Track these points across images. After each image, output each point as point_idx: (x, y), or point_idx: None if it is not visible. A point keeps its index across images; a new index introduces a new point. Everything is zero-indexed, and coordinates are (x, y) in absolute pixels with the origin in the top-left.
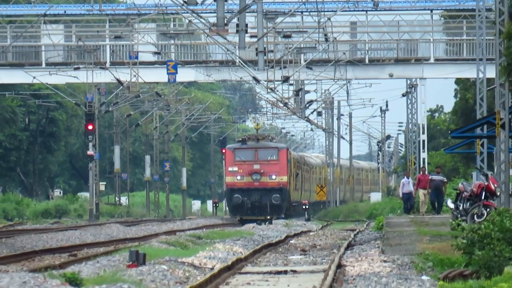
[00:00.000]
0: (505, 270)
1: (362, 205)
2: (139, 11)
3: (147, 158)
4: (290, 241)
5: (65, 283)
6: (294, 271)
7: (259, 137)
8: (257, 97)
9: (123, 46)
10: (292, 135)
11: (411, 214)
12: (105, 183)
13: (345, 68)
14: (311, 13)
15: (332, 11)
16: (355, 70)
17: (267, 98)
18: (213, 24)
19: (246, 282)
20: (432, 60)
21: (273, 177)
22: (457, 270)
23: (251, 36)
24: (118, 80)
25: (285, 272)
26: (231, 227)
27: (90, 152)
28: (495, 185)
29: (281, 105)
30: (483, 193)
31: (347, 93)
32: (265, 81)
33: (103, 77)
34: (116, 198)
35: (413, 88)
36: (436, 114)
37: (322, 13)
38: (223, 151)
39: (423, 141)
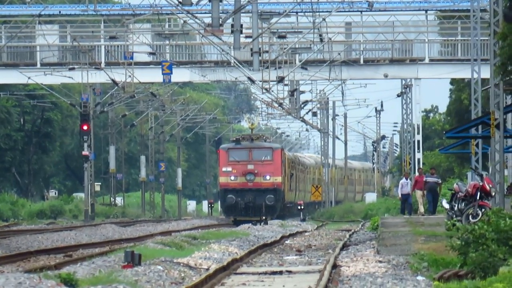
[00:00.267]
0: (500, 271)
1: (357, 205)
2: (134, 12)
3: (142, 158)
4: (286, 242)
5: (60, 284)
6: (290, 272)
7: (253, 137)
8: (252, 97)
9: (118, 46)
10: (287, 136)
11: (407, 214)
12: (100, 183)
13: (340, 68)
14: (306, 13)
15: (327, 11)
16: (350, 71)
17: (262, 99)
18: (208, 24)
19: (242, 283)
20: (427, 61)
21: (267, 177)
22: (452, 270)
23: (246, 37)
24: (113, 81)
25: (281, 272)
26: (226, 227)
27: (85, 152)
28: (490, 186)
29: (276, 105)
30: (478, 193)
31: (342, 93)
32: (260, 81)
33: (98, 77)
34: (112, 198)
35: (408, 89)
36: (431, 115)
37: (317, 13)
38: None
39: (418, 141)
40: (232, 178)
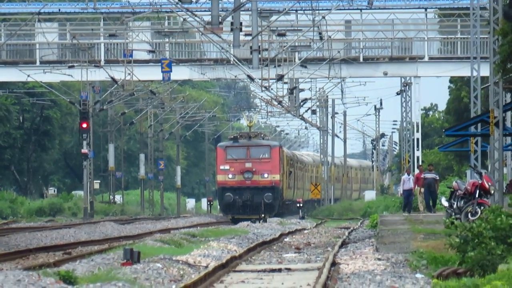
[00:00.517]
0: (499, 268)
1: (357, 203)
2: (134, 10)
3: (142, 156)
4: (285, 239)
5: (60, 281)
6: (289, 269)
7: (251, 134)
8: (251, 95)
9: (117, 44)
10: (287, 134)
11: (406, 212)
12: (99, 181)
13: (339, 66)
14: (305, 11)
15: (327, 9)
16: (349, 69)
17: (261, 96)
18: (208, 22)
19: (241, 280)
20: (426, 59)
21: (265, 175)
22: (451, 268)
23: (246, 35)
24: (113, 78)
25: (280, 270)
26: (225, 225)
27: (85, 150)
28: (489, 183)
29: (276, 103)
30: (477, 191)
31: (342, 91)
32: (260, 79)
33: (97, 75)
34: (111, 196)
35: (407, 87)
36: (430, 113)
37: (317, 11)
38: None
39: (417, 139)
40: (230, 176)
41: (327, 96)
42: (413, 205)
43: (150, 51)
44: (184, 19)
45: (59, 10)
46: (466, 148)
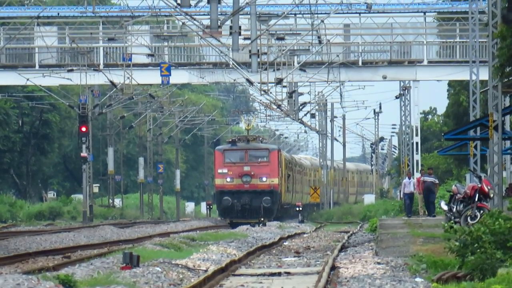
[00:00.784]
0: (499, 272)
1: (356, 207)
2: (133, 13)
3: (141, 160)
4: (284, 243)
5: (59, 285)
6: (288, 273)
7: (249, 138)
8: (250, 99)
9: (116, 48)
10: (286, 137)
11: (406, 216)
12: (98, 185)
13: (338, 70)
14: (304, 15)
15: (326, 13)
16: (348, 72)
17: (260, 100)
18: (207, 26)
19: (240, 284)
20: (425, 62)
21: (264, 179)
22: (450, 272)
23: (245, 38)
24: (112, 82)
25: (279, 274)
26: (224, 229)
27: (84, 154)
28: (489, 187)
29: (275, 107)
30: (477, 195)
31: (341, 95)
32: (259, 83)
33: (96, 79)
34: (110, 200)
35: (406, 90)
36: (430, 116)
37: (316, 15)
38: None
39: (417, 143)
40: (228, 179)
41: (326, 100)
42: (413, 209)
43: (149, 55)
44: (183, 23)
45: (58, 14)
46: (465, 152)
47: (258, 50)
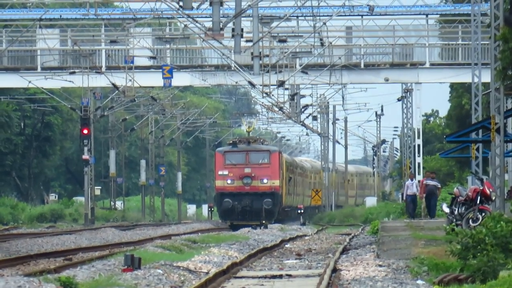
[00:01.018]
0: (500, 275)
1: (358, 209)
2: (135, 16)
3: (143, 162)
4: (286, 246)
5: (60, 287)
6: (290, 275)
7: (250, 139)
8: (252, 101)
9: (118, 50)
10: (288, 140)
11: (408, 218)
12: (100, 187)
13: (340, 72)
14: (306, 17)
15: (328, 15)
16: (350, 75)
17: (262, 103)
18: (209, 28)
19: (241, 286)
20: (427, 65)
21: (265, 181)
22: (452, 274)
23: (247, 41)
24: (114, 85)
25: (280, 276)
26: (226, 231)
27: (86, 156)
28: (490, 190)
29: (277, 109)
30: (478, 197)
31: (343, 97)
32: (261, 85)
33: (98, 81)
34: (112, 202)
35: (408, 93)
36: (431, 119)
37: (318, 17)
38: None
39: (418, 145)
40: (229, 181)
41: (328, 102)
42: (416, 211)
43: (151, 57)
44: (185, 25)
45: (61, 16)
46: (467, 154)
47: (260, 53)
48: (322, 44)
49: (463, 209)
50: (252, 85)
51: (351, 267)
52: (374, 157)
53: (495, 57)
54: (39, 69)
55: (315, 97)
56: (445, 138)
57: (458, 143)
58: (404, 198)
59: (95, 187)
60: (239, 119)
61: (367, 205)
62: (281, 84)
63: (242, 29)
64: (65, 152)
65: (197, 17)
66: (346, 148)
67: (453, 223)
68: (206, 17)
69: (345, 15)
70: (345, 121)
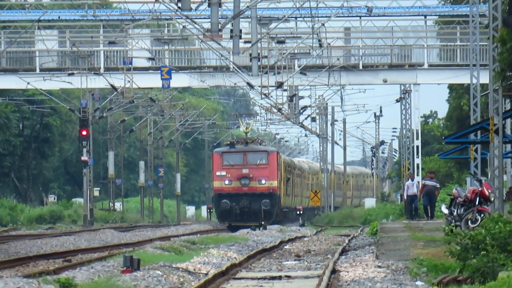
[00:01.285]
0: (499, 276)
1: (357, 210)
2: (133, 17)
3: (141, 163)
4: (285, 247)
5: None
6: (289, 277)
7: (248, 140)
8: (251, 102)
9: (117, 51)
10: (286, 141)
11: (407, 219)
12: (99, 188)
13: (339, 73)
14: (305, 18)
15: (326, 16)
16: (349, 76)
17: (261, 104)
18: (207, 29)
19: None
20: (426, 66)
21: (263, 181)
22: (451, 275)
23: (245, 42)
24: (112, 86)
25: (280, 277)
26: (225, 232)
27: (84, 157)
28: (489, 191)
29: (275, 110)
30: (477, 198)
31: (341, 98)
32: (259, 86)
33: (97, 82)
34: (110, 203)
35: (407, 94)
36: (430, 120)
37: (316, 18)
38: None
39: (417, 146)
40: (227, 182)
41: (326, 104)
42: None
43: (149, 59)
44: (184, 27)
45: (59, 17)
46: (466, 156)
47: (258, 54)
48: (320, 45)
49: (462, 210)
50: (251, 86)
51: (350, 268)
52: (373, 158)
53: (493, 58)
54: (37, 70)
55: (313, 98)
56: (443, 139)
57: (457, 144)
58: (405, 198)
59: (94, 189)
60: (237, 121)
61: (366, 206)
62: (279, 85)
63: (240, 30)
64: (64, 153)
65: (196, 18)
66: (344, 149)
67: (452, 224)
68: (204, 18)
69: (344, 16)
70: (344, 122)
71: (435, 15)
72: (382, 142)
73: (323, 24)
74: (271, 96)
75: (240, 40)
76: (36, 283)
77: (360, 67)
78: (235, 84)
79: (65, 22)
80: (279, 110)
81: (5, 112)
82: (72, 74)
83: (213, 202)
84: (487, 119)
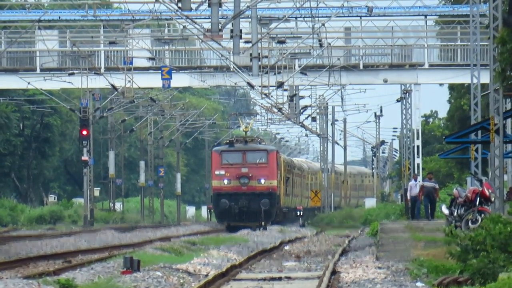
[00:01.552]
0: (500, 277)
1: (357, 210)
2: (134, 17)
3: (142, 163)
4: (285, 248)
5: None
6: (289, 278)
7: (247, 139)
8: (251, 102)
9: (117, 51)
10: (287, 141)
11: (409, 219)
12: (99, 188)
13: (339, 73)
14: (305, 18)
15: (326, 16)
16: (349, 76)
17: (261, 104)
18: (208, 29)
19: None
20: (426, 66)
21: (262, 181)
22: (451, 276)
23: (246, 42)
24: (113, 86)
25: (280, 278)
26: (225, 233)
27: (85, 157)
28: (490, 191)
29: (276, 110)
30: (478, 198)
31: (342, 98)
32: (260, 86)
33: (97, 82)
34: (111, 204)
35: (407, 94)
36: (431, 120)
37: (316, 18)
38: None
39: (418, 146)
40: (226, 181)
41: (327, 103)
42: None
43: (150, 59)
44: (184, 27)
45: (59, 17)
46: (467, 155)
47: (259, 54)
48: (321, 45)
49: (463, 210)
50: (251, 86)
51: (351, 269)
52: (373, 158)
53: (494, 58)
54: (38, 70)
55: (314, 98)
56: (444, 139)
57: (458, 144)
58: (408, 198)
59: (94, 188)
60: (237, 120)
61: (366, 206)
62: (280, 85)
63: (241, 30)
64: (64, 153)
65: (196, 18)
66: (345, 149)
67: (453, 224)
68: (205, 18)
69: (344, 16)
70: (344, 122)
71: (436, 15)
72: (383, 142)
73: (323, 24)
74: (272, 96)
75: (241, 40)
76: (36, 284)
77: (361, 67)
78: (235, 84)
79: (66, 22)
80: (280, 110)
81: (6, 112)
82: (72, 74)
83: (212, 202)
84: (488, 119)
